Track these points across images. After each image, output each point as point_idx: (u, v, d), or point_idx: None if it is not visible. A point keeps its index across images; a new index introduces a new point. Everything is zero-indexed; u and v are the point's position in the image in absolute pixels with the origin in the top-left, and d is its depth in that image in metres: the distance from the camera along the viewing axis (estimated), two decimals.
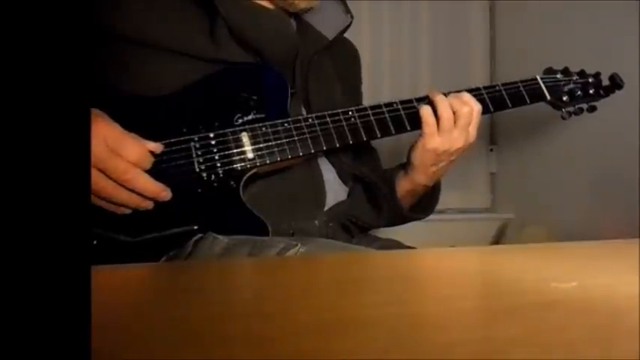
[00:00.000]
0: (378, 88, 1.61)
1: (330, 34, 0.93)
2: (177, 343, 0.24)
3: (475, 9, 1.82)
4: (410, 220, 0.99)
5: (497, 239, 1.71)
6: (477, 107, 0.87)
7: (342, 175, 0.90)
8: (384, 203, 0.93)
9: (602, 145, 1.38)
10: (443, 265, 0.54)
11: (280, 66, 0.85)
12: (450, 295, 0.37)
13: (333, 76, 0.96)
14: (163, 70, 0.79)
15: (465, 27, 1.81)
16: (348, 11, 0.95)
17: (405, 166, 0.93)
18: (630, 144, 1.27)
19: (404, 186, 0.93)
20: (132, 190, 0.69)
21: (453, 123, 0.85)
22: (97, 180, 0.67)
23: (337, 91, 0.95)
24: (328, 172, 0.88)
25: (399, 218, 0.97)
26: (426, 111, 0.85)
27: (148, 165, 0.71)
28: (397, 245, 0.91)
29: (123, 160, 0.68)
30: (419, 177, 0.91)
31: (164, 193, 0.71)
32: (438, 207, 1.04)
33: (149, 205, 0.71)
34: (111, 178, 0.68)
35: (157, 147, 0.72)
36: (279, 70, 0.84)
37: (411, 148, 0.90)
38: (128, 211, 0.71)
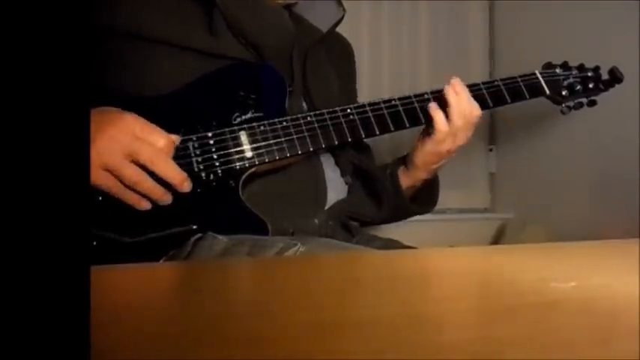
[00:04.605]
0: (378, 88, 1.60)
1: (323, 27, 0.95)
2: (177, 343, 0.24)
3: (475, 9, 1.81)
4: (415, 214, 1.00)
5: (497, 239, 1.71)
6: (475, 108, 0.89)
7: (342, 169, 0.91)
8: (384, 197, 0.94)
9: (602, 145, 1.38)
10: (443, 265, 0.54)
11: (277, 59, 0.85)
12: (449, 295, 0.37)
13: (329, 70, 0.97)
14: (162, 67, 0.79)
15: (465, 27, 1.80)
16: (340, 5, 0.96)
17: (406, 164, 0.94)
18: (630, 144, 1.27)
19: (405, 182, 0.96)
20: (156, 181, 0.70)
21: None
22: (127, 167, 0.68)
23: (334, 85, 0.96)
24: (330, 169, 0.89)
25: (405, 213, 1.00)
26: (439, 117, 0.86)
27: (172, 154, 0.72)
28: (397, 245, 0.91)
29: (152, 146, 0.69)
30: (420, 174, 0.94)
31: (186, 183, 0.72)
32: (438, 207, 1.04)
33: (169, 199, 0.71)
34: (138, 164, 0.69)
35: (177, 139, 0.74)
36: (276, 64, 0.84)
37: (415, 150, 0.92)
38: (149, 207, 0.71)
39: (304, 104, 0.88)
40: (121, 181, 0.69)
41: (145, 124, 0.70)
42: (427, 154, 0.90)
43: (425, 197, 1.00)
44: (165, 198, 0.71)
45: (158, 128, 0.71)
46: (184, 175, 0.72)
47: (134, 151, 0.68)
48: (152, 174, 0.70)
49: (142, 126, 0.70)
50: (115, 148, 0.67)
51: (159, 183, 0.70)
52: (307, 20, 0.94)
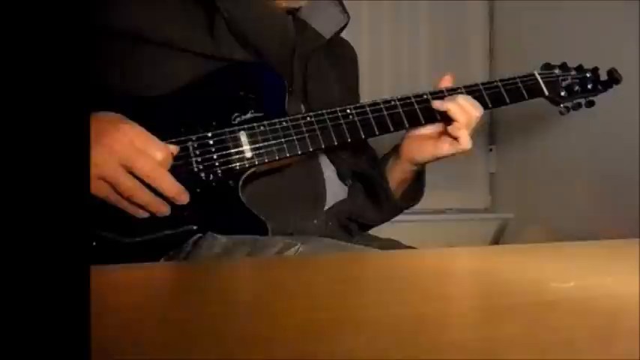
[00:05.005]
0: (377, 88, 1.61)
1: (327, 33, 0.94)
2: (177, 343, 0.24)
3: (474, 9, 1.82)
4: (404, 209, 1.00)
5: (497, 239, 1.71)
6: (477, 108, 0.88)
7: (341, 173, 0.90)
8: (383, 199, 0.93)
9: (602, 146, 1.38)
10: (443, 265, 0.54)
11: (278, 63, 0.85)
12: (450, 295, 0.37)
13: (331, 75, 0.96)
14: (162, 68, 0.79)
15: (464, 27, 1.81)
16: (344, 11, 0.96)
17: (401, 157, 0.93)
18: (630, 144, 1.27)
19: (397, 176, 0.94)
20: (155, 192, 0.70)
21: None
22: (124, 179, 0.68)
23: (335, 90, 0.95)
24: (328, 170, 0.89)
25: (394, 210, 0.98)
26: (463, 134, 0.86)
27: (169, 166, 0.71)
28: (397, 245, 0.91)
29: (150, 159, 0.69)
30: (414, 167, 0.93)
31: (184, 196, 0.71)
32: (438, 207, 1.04)
33: (167, 211, 0.71)
34: (137, 178, 0.68)
35: (175, 149, 0.73)
36: (276, 68, 0.84)
37: (421, 150, 0.90)
38: (146, 215, 0.71)
39: (302, 108, 0.88)
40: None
41: (143, 134, 0.70)
42: (437, 157, 0.89)
43: (410, 191, 0.98)
44: (163, 209, 0.71)
45: (157, 140, 0.71)
46: (181, 188, 0.71)
47: (131, 164, 0.68)
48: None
49: (141, 137, 0.69)
50: (112, 159, 0.67)
51: (157, 193, 0.70)
52: (311, 26, 0.94)
